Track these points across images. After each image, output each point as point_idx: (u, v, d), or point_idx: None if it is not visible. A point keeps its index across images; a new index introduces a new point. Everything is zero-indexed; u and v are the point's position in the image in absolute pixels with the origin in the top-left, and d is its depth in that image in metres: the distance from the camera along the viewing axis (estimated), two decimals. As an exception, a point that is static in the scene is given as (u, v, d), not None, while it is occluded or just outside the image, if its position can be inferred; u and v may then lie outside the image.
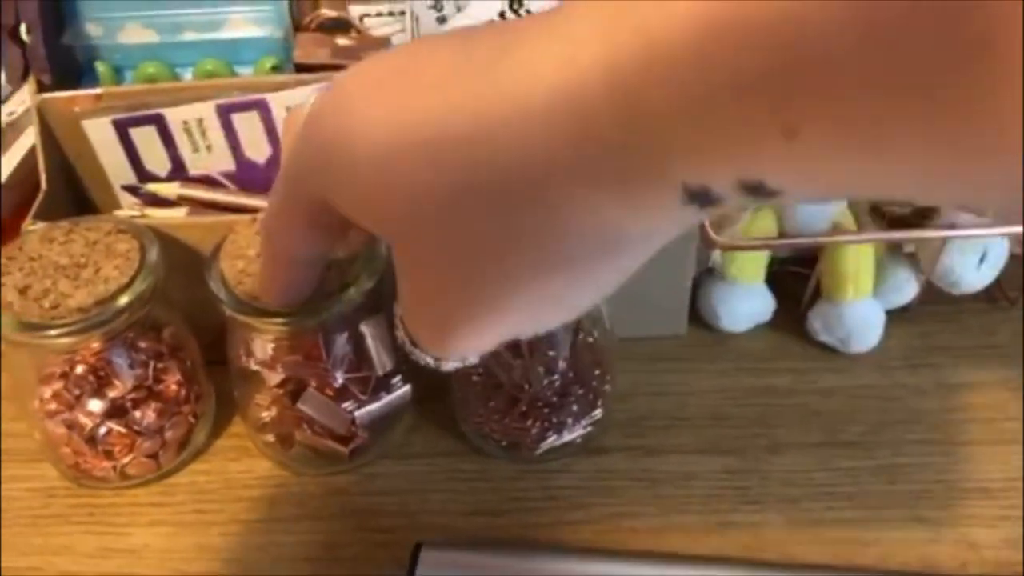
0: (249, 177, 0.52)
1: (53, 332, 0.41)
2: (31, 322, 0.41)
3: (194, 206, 0.50)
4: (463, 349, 0.27)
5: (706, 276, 0.53)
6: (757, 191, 0.20)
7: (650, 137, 0.19)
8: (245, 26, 0.52)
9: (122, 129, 0.50)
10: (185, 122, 0.50)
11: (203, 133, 0.51)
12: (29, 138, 0.60)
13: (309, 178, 0.27)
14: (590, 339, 0.46)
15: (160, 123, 0.50)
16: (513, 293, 0.24)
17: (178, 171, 0.52)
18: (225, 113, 0.50)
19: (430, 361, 0.30)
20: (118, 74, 0.53)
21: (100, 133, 0.50)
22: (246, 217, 0.43)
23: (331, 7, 0.54)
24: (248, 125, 0.50)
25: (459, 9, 0.53)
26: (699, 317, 0.54)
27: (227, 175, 0.52)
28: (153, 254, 0.44)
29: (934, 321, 0.54)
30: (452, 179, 0.22)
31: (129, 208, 0.53)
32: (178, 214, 0.51)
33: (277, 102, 0.50)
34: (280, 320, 0.40)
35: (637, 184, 0.21)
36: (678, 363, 0.53)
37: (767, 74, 0.17)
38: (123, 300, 0.42)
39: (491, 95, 0.21)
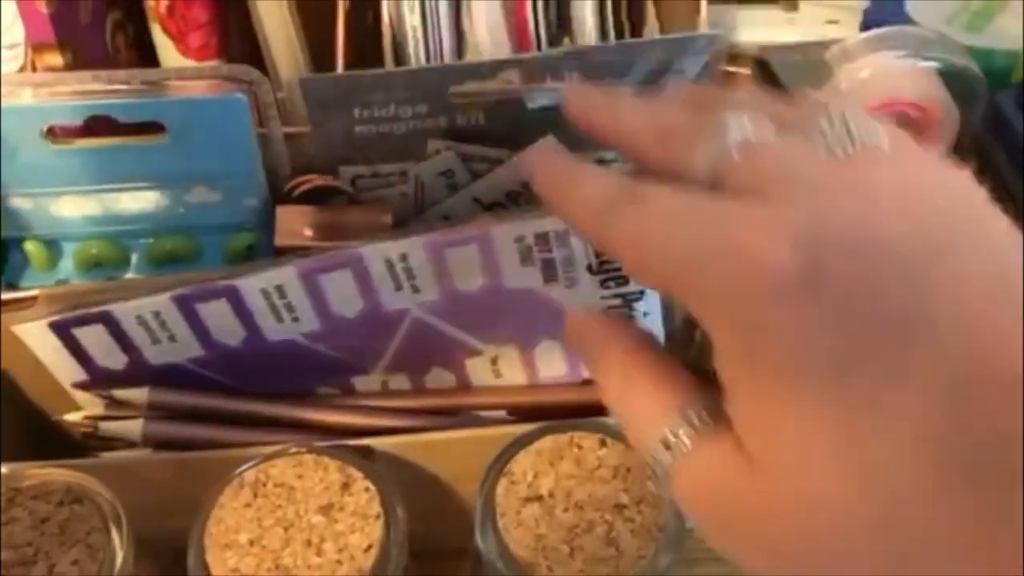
0: (224, 360, 0.43)
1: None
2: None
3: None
4: None
5: None
6: None
7: None
8: (212, 194, 0.41)
9: (63, 331, 0.41)
10: (139, 316, 0.41)
11: (162, 324, 0.42)
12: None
13: None
14: None
15: (109, 321, 0.41)
16: None
17: (137, 362, 0.43)
18: (187, 304, 0.41)
19: None
20: (53, 252, 0.42)
21: (37, 337, 0.41)
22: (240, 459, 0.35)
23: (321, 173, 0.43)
24: (217, 312, 0.41)
25: (474, 176, 0.43)
26: None
27: (198, 361, 0.43)
28: (120, 543, 0.35)
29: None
30: None
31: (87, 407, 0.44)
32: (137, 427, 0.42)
33: (250, 287, 0.40)
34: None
35: None
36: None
37: None
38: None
39: None
